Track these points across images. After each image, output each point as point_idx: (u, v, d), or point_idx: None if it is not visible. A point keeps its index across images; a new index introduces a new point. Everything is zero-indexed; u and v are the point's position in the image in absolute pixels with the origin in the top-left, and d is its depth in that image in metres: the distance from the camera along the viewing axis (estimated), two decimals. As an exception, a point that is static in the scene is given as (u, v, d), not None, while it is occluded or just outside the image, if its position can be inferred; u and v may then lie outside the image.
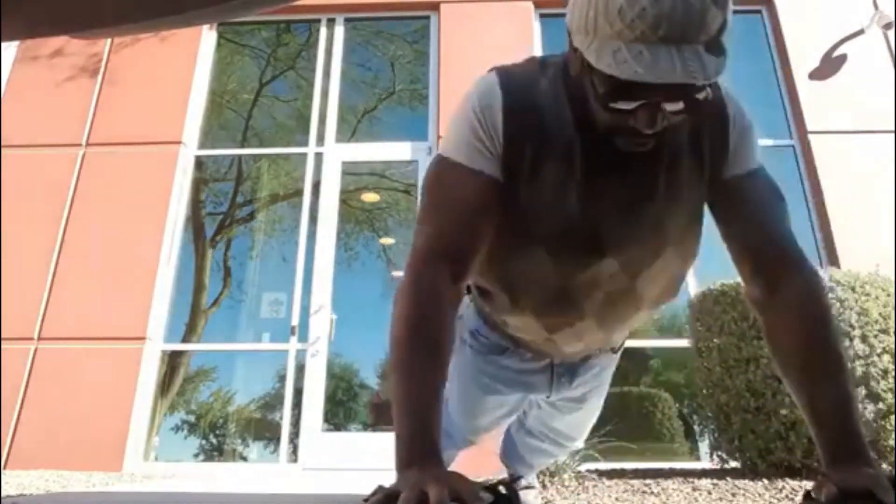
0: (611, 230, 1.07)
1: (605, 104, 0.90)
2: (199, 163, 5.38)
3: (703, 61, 0.81)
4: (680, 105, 0.87)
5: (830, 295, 2.92)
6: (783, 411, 2.81)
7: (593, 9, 0.85)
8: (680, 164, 1.05)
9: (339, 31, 5.69)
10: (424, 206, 1.04)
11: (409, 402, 0.88)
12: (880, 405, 2.78)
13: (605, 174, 1.04)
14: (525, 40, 5.30)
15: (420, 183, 5.18)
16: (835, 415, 0.94)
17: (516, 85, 1.04)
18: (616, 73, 0.82)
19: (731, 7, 0.86)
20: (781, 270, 1.02)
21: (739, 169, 1.07)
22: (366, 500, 0.77)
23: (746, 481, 2.71)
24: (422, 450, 0.84)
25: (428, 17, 5.60)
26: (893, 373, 2.83)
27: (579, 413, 1.64)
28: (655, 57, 0.80)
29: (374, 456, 4.14)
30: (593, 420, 1.72)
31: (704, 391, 3.22)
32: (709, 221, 1.12)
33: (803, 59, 5.14)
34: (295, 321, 4.65)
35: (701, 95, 0.87)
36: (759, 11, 5.47)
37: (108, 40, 5.36)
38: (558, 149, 1.02)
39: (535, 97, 1.04)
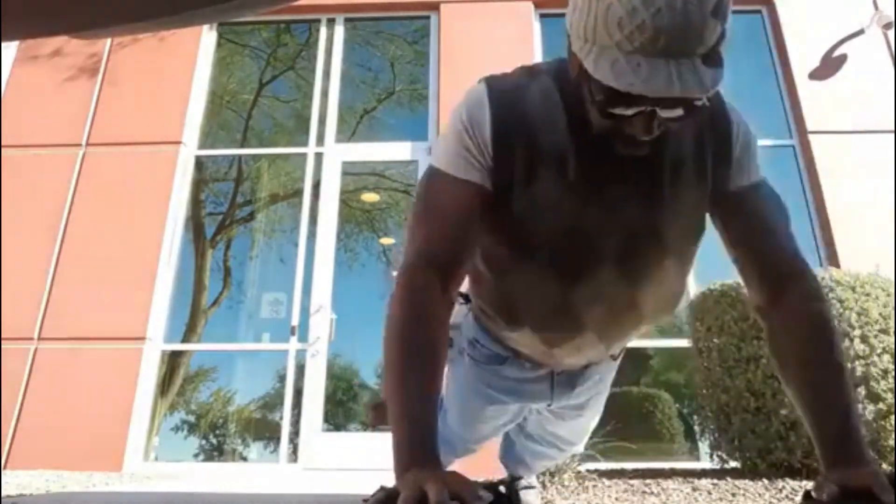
0: (609, 236, 1.06)
1: (602, 110, 0.91)
2: (199, 163, 5.38)
3: (700, 74, 0.81)
4: (677, 112, 0.88)
5: (830, 295, 2.92)
6: (783, 411, 2.81)
7: (593, 17, 0.85)
8: (682, 172, 1.05)
9: (339, 31, 5.69)
10: (415, 214, 1.06)
11: (405, 407, 0.89)
12: (880, 405, 2.78)
13: (603, 179, 1.03)
14: (525, 40, 5.30)
15: (418, 183, 5.16)
16: (833, 416, 0.94)
17: (505, 94, 1.04)
18: (613, 84, 0.83)
19: (730, 16, 0.85)
20: (785, 279, 1.04)
21: (744, 181, 1.08)
22: (366, 501, 0.77)
23: (746, 481, 2.71)
24: (420, 452, 0.84)
25: (428, 17, 5.60)
26: (893, 373, 2.83)
27: (580, 420, 1.64)
28: (653, 70, 0.80)
29: (374, 456, 4.15)
30: (593, 425, 1.73)
31: (704, 391, 3.22)
32: (709, 223, 1.13)
33: (803, 59, 5.14)
34: (295, 321, 4.65)
35: (698, 103, 0.88)
36: (759, 11, 5.47)
37: (108, 40, 5.36)
38: (552, 155, 1.02)
39: (526, 105, 1.04)
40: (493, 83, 1.06)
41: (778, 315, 1.04)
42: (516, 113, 1.03)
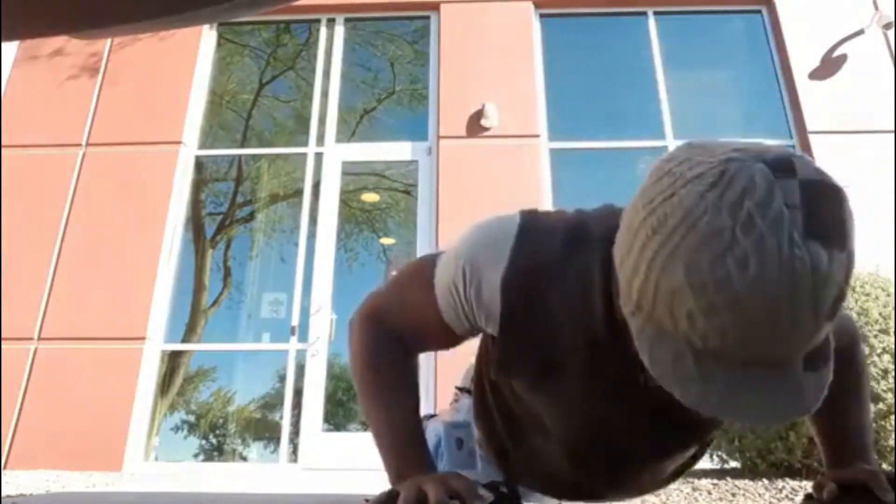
0: (625, 445, 0.94)
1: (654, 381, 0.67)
2: (199, 163, 5.38)
3: (803, 389, 0.59)
4: None
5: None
6: (783, 411, 2.81)
7: (651, 284, 0.60)
8: None
9: (339, 31, 5.69)
10: (397, 280, 1.00)
11: (388, 425, 0.88)
12: (880, 405, 2.78)
13: (630, 400, 0.85)
14: (525, 40, 5.30)
15: (420, 183, 5.13)
16: (840, 419, 0.95)
17: (532, 269, 0.80)
18: (674, 392, 0.60)
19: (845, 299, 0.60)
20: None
21: None
22: (367, 501, 0.77)
23: (746, 481, 2.70)
24: (414, 461, 0.83)
25: (428, 17, 5.60)
26: (893, 373, 2.82)
27: None
28: (734, 388, 0.57)
29: (374, 456, 4.14)
30: None
31: (704, 391, 3.21)
32: None
33: (803, 59, 5.13)
34: (295, 321, 4.65)
35: None
36: (759, 11, 5.47)
37: (108, 40, 5.36)
38: (570, 357, 0.83)
39: (552, 293, 0.80)
40: (523, 244, 0.81)
41: None
42: (538, 304, 0.81)
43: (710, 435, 1.00)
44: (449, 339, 0.92)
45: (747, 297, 0.53)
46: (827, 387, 0.60)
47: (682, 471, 1.10)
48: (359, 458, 4.18)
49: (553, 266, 0.80)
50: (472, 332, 0.91)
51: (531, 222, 0.84)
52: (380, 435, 0.87)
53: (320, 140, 5.28)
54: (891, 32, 5.12)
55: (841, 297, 0.56)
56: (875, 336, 2.88)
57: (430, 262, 0.92)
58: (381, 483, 0.81)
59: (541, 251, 0.81)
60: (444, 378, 3.90)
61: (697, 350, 0.58)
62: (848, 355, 1.02)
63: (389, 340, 0.94)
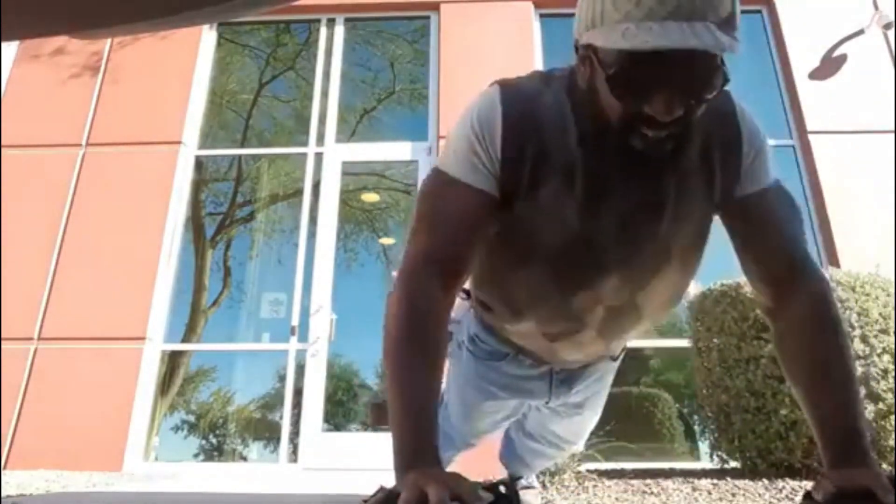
0: (612, 247, 1.06)
1: (618, 88, 0.88)
2: (199, 163, 5.38)
3: (715, 33, 0.80)
4: (695, 86, 0.87)
5: (830, 295, 2.91)
6: (783, 411, 2.81)
7: (599, 1, 0.87)
8: (688, 183, 1.03)
9: (339, 31, 5.69)
10: (418, 215, 1.04)
11: (405, 404, 0.89)
12: (880, 405, 2.78)
13: (609, 191, 1.02)
14: (525, 40, 5.30)
15: (420, 184, 5.18)
16: (837, 417, 0.94)
17: (518, 100, 1.02)
18: (625, 45, 0.82)
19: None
20: (791, 281, 1.02)
21: (752, 187, 1.05)
22: (366, 501, 0.77)
23: (746, 481, 2.71)
24: (420, 451, 0.84)
25: (428, 17, 5.60)
26: (893, 373, 2.83)
27: (578, 418, 1.64)
28: (666, 28, 0.80)
29: (374, 456, 4.15)
30: (592, 425, 1.73)
31: (704, 391, 3.22)
32: (717, 224, 1.13)
33: (803, 59, 5.13)
34: (295, 321, 4.65)
35: (716, 81, 0.87)
36: (759, 11, 5.47)
37: (109, 39, 5.36)
38: (559, 165, 1.01)
39: (537, 113, 1.02)
40: (506, 89, 1.04)
41: (785, 317, 1.04)
42: (528, 121, 1.01)
43: (691, 244, 1.09)
44: (483, 213, 1.01)
45: None
46: (736, 48, 0.82)
47: (669, 305, 1.19)
48: (359, 458, 4.19)
49: (533, 96, 1.03)
50: (498, 191, 1.01)
51: (506, 80, 1.07)
52: (396, 419, 0.88)
53: (320, 140, 5.28)
54: (891, 32, 5.12)
55: None
56: (875, 336, 2.89)
57: (433, 169, 1.06)
58: (380, 483, 0.81)
59: (521, 90, 1.04)
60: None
61: (638, 20, 0.82)
62: (837, 346, 0.98)
63: (425, 301, 0.96)
